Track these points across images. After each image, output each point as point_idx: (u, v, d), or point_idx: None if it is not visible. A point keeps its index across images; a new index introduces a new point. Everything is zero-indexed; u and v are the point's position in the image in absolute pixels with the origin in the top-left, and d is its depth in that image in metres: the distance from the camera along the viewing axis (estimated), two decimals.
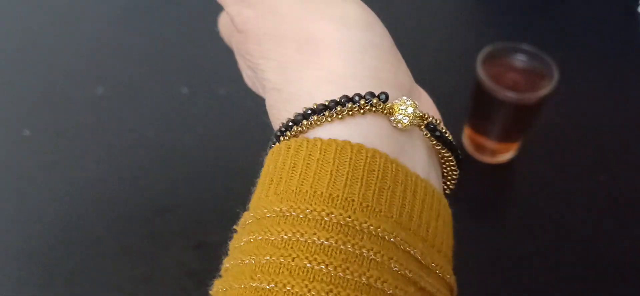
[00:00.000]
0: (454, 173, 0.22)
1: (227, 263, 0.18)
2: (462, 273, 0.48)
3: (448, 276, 0.19)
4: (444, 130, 0.20)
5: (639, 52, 0.62)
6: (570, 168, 0.50)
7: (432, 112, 0.22)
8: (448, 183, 0.22)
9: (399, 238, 0.17)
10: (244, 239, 0.18)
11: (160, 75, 0.59)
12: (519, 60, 0.47)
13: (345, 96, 0.18)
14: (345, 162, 0.17)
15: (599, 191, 0.49)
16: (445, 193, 0.22)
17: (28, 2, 0.68)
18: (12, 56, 0.62)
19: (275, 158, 0.19)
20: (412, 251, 0.17)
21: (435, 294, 0.18)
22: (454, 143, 0.20)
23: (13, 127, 0.54)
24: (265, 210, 0.18)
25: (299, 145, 0.18)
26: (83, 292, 0.43)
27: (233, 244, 0.19)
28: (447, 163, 0.21)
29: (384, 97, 0.18)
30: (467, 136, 0.51)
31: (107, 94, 0.57)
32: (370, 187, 0.17)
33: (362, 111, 0.18)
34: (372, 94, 0.18)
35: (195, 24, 0.64)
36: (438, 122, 0.19)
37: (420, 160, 0.20)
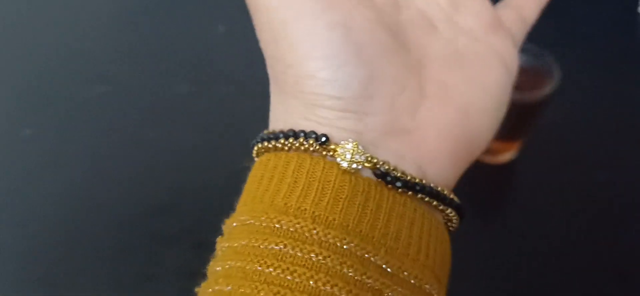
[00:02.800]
0: (452, 216, 0.21)
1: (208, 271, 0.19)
2: (462, 273, 0.48)
3: (427, 286, 0.18)
4: (407, 177, 0.18)
5: (639, 52, 0.62)
6: (570, 168, 0.50)
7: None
8: (449, 224, 0.21)
9: (353, 245, 0.17)
10: (218, 248, 0.19)
11: (160, 75, 0.59)
12: (520, 59, 0.46)
13: (292, 130, 0.19)
14: (303, 173, 0.18)
15: (599, 191, 0.49)
16: (449, 232, 0.21)
17: (28, 1, 0.68)
18: (12, 56, 0.62)
19: (253, 170, 0.20)
20: (372, 258, 0.17)
21: None
22: (431, 187, 0.19)
23: (13, 127, 0.54)
24: (233, 220, 0.19)
25: (268, 159, 0.19)
26: (83, 292, 0.43)
27: (216, 252, 0.20)
28: (438, 208, 0.20)
29: (324, 139, 0.18)
30: None
31: (107, 93, 0.57)
32: (325, 196, 0.17)
33: (303, 148, 0.18)
34: (312, 134, 0.18)
35: (196, 23, 0.64)
36: (391, 168, 0.18)
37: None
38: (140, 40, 0.63)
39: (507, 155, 0.50)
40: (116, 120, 0.55)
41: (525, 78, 0.46)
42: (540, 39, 0.49)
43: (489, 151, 0.50)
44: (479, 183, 0.50)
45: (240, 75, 0.56)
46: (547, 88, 0.44)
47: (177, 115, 0.55)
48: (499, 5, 0.25)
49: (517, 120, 0.47)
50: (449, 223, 0.21)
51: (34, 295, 0.43)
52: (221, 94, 0.55)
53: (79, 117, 0.55)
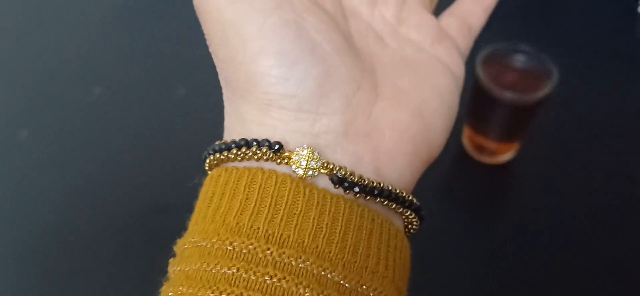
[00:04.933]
0: (412, 219, 0.20)
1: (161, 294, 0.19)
2: (461, 273, 0.48)
3: None
4: (364, 181, 0.18)
5: (639, 52, 0.62)
6: (570, 168, 0.50)
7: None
8: (409, 227, 0.21)
9: (309, 263, 0.16)
10: (171, 271, 0.18)
11: (157, 76, 0.59)
12: (519, 60, 0.47)
13: (245, 139, 0.18)
14: (255, 189, 0.17)
15: (599, 191, 0.49)
16: (409, 236, 0.21)
17: (25, 2, 0.68)
18: (10, 56, 0.62)
19: (204, 187, 0.19)
20: (329, 275, 0.16)
21: None
22: (390, 190, 0.18)
23: (11, 128, 0.54)
24: (185, 242, 0.18)
25: (219, 175, 0.18)
26: (82, 292, 0.43)
27: (168, 275, 0.19)
28: (397, 211, 0.19)
29: (277, 147, 0.17)
30: (466, 136, 0.51)
31: (105, 94, 0.57)
32: (278, 212, 0.17)
33: (256, 158, 0.18)
34: (265, 142, 0.17)
35: (193, 24, 0.63)
36: (347, 173, 0.18)
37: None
38: (138, 42, 0.63)
39: (507, 155, 0.50)
40: (114, 122, 0.55)
41: (524, 80, 0.46)
42: (539, 39, 0.49)
43: (487, 152, 0.50)
44: (479, 183, 0.50)
45: None
46: (546, 89, 0.44)
47: (175, 116, 0.55)
48: (445, 13, 0.25)
49: (516, 120, 0.47)
50: (410, 226, 0.21)
51: (33, 295, 0.43)
52: (219, 95, 0.55)
53: (76, 118, 0.55)
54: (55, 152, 0.53)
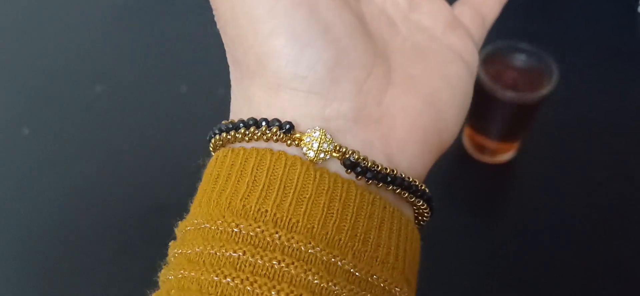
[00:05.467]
0: (423, 210, 0.20)
1: (160, 279, 0.18)
2: (461, 272, 0.48)
3: (397, 289, 0.17)
4: (377, 167, 0.17)
5: (639, 52, 0.62)
6: (570, 168, 0.50)
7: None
8: (420, 218, 0.20)
9: (318, 249, 0.16)
10: (171, 254, 0.18)
11: (159, 74, 0.59)
12: (519, 59, 0.47)
13: (253, 119, 0.17)
14: (263, 171, 0.17)
15: (599, 191, 0.49)
16: (419, 227, 0.20)
17: (27, 1, 0.68)
18: (11, 55, 0.62)
19: (209, 168, 0.18)
20: (339, 263, 0.16)
21: None
22: (402, 178, 0.18)
23: (12, 126, 0.54)
24: (187, 224, 0.17)
25: (225, 155, 0.18)
26: (82, 292, 0.43)
27: (168, 258, 0.18)
28: (409, 200, 0.19)
29: (288, 127, 0.17)
30: (467, 136, 0.51)
31: (106, 93, 0.57)
32: (287, 196, 0.16)
33: (265, 138, 0.17)
34: (275, 122, 0.17)
35: (194, 23, 0.64)
36: (360, 157, 0.17)
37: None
38: (139, 40, 0.63)
39: (507, 154, 0.50)
40: (115, 120, 0.55)
41: (524, 79, 0.46)
42: (539, 39, 0.49)
43: (488, 151, 0.50)
44: (479, 183, 0.50)
45: None
46: (547, 88, 0.44)
47: (176, 115, 0.55)
48: (459, 2, 0.24)
49: (517, 119, 0.47)
50: (420, 217, 0.20)
51: (33, 295, 0.43)
52: (220, 94, 0.55)
53: (78, 117, 0.55)
54: (57, 151, 0.52)
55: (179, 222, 0.18)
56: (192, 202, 0.19)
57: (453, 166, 0.51)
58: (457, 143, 0.52)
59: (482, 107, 0.47)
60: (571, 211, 0.47)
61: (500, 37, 0.48)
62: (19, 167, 0.52)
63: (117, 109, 0.56)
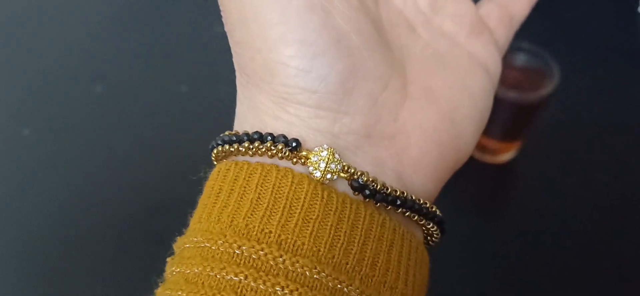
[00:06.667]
0: (433, 231, 0.19)
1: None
2: (462, 273, 0.48)
3: None
4: (387, 190, 0.16)
5: (639, 52, 0.62)
6: (571, 168, 0.50)
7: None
8: (428, 238, 0.19)
9: (324, 274, 0.15)
10: (168, 271, 0.17)
11: (159, 73, 0.59)
12: (520, 59, 0.47)
13: (258, 132, 0.16)
14: (268, 188, 0.16)
15: (599, 191, 0.49)
16: (428, 247, 0.19)
17: (26, 1, 0.68)
18: (11, 55, 0.62)
19: (210, 181, 0.18)
20: (346, 289, 0.15)
21: None
22: (413, 201, 0.17)
23: (12, 126, 0.54)
24: (186, 241, 0.17)
25: (227, 169, 0.17)
26: (82, 292, 0.43)
27: (165, 274, 0.17)
28: (419, 222, 0.18)
29: (294, 145, 0.16)
30: None
31: (106, 92, 0.57)
32: (293, 216, 0.15)
33: (270, 154, 0.16)
34: (281, 138, 0.16)
35: (195, 22, 0.64)
36: (369, 179, 0.16)
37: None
38: (139, 40, 0.63)
39: (507, 155, 0.50)
40: (115, 120, 0.55)
41: (525, 79, 0.46)
42: (539, 38, 0.49)
43: (489, 151, 0.50)
44: (479, 183, 0.50)
45: None
46: (547, 89, 0.44)
47: (176, 115, 0.55)
48: (486, 0, 0.23)
49: (517, 120, 0.47)
50: (430, 238, 0.19)
51: (33, 295, 0.43)
52: (220, 94, 0.55)
53: (78, 117, 0.55)
54: (57, 151, 0.52)
55: (177, 237, 0.18)
56: (191, 207, 0.18)
57: None
58: None
59: None
60: (572, 211, 0.47)
61: None
62: (19, 167, 0.51)
63: (117, 109, 0.56)
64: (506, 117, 0.47)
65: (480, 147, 0.50)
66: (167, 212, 0.46)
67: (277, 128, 0.16)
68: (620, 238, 0.46)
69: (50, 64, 0.61)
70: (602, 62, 0.59)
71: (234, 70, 0.18)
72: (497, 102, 0.45)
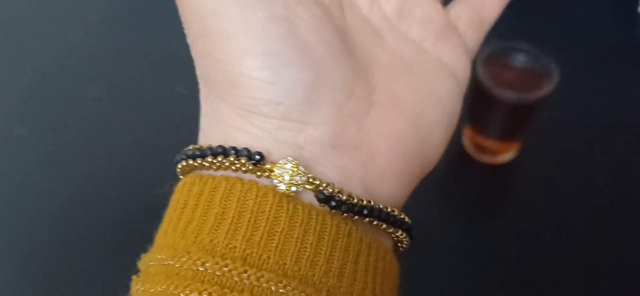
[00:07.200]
0: (403, 238, 0.18)
1: None
2: (461, 273, 0.48)
3: None
4: (353, 200, 0.16)
5: (639, 52, 0.61)
6: (570, 168, 0.50)
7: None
8: (398, 244, 0.19)
9: (290, 288, 0.14)
10: (133, 290, 0.17)
11: (155, 74, 0.59)
12: (519, 60, 0.47)
13: (222, 147, 0.16)
14: (233, 203, 0.15)
15: (599, 191, 0.49)
16: (398, 251, 0.19)
17: (24, 1, 0.68)
18: (8, 54, 0.62)
19: (175, 194, 0.17)
20: None
21: None
22: (381, 209, 0.17)
23: (9, 126, 0.54)
24: (151, 258, 0.16)
25: (192, 182, 0.17)
26: (82, 292, 0.43)
27: (130, 293, 0.17)
28: (387, 230, 0.18)
29: (258, 158, 0.15)
30: (467, 136, 0.51)
31: (103, 93, 0.57)
32: (258, 230, 0.15)
33: (234, 168, 0.16)
34: (244, 151, 0.16)
35: None
36: (335, 190, 0.16)
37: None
38: (136, 40, 0.63)
39: (507, 155, 0.50)
40: (112, 120, 0.55)
41: (524, 79, 0.46)
42: (539, 39, 0.49)
43: (488, 151, 0.50)
44: (479, 183, 0.50)
45: None
46: (547, 89, 0.44)
47: (173, 115, 0.55)
48: (457, 1, 0.23)
49: (517, 120, 0.47)
50: (399, 245, 0.19)
51: (33, 295, 0.43)
52: None
53: (75, 117, 0.55)
54: (55, 151, 0.52)
55: (142, 254, 0.17)
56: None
57: (453, 166, 0.51)
58: (457, 144, 0.52)
59: (482, 107, 0.47)
60: (572, 211, 0.47)
61: (500, 37, 0.48)
62: (17, 167, 0.51)
63: (114, 109, 0.56)
64: (505, 117, 0.47)
65: (479, 147, 0.50)
66: (165, 211, 0.46)
67: (242, 141, 0.16)
68: (620, 238, 0.46)
69: (48, 64, 0.61)
70: (601, 62, 0.59)
71: None
72: (497, 102, 0.45)
